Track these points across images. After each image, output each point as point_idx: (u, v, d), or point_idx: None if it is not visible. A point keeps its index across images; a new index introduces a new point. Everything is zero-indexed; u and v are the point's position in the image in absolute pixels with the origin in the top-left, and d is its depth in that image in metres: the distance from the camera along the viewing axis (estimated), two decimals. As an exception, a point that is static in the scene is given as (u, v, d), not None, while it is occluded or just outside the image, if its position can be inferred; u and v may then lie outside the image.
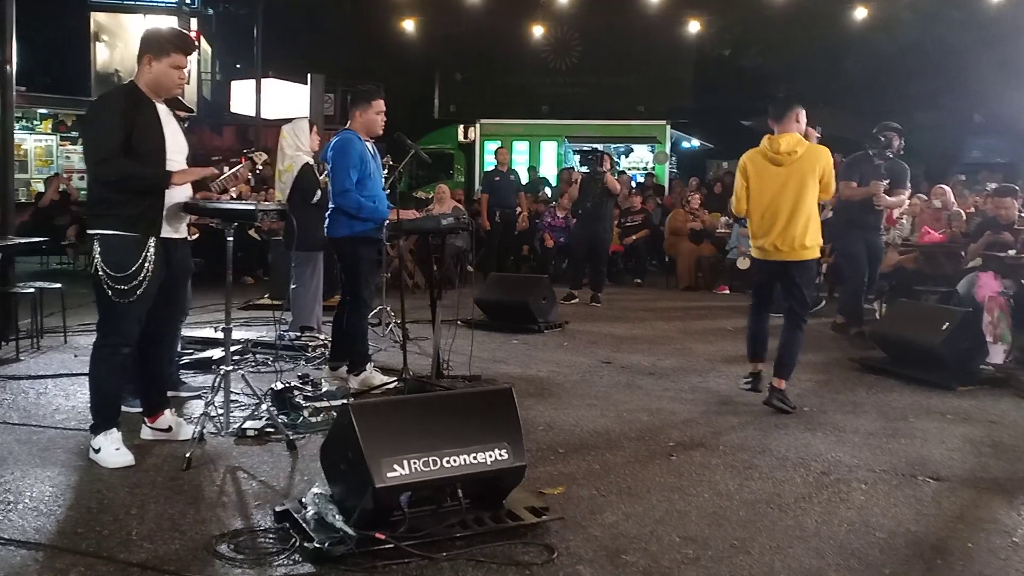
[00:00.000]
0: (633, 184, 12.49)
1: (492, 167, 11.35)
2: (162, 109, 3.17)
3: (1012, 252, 5.62)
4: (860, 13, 13.31)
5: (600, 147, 10.87)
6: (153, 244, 3.07)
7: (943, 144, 14.39)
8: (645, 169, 15.66)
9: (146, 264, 3.04)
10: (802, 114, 4.22)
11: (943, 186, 7.96)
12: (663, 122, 15.77)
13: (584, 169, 8.31)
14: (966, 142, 14.73)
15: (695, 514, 2.75)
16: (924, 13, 13.12)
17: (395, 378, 4.27)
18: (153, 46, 3.11)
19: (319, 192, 5.22)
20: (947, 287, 6.20)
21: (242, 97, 14.99)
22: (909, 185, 6.28)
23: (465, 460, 2.50)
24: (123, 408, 3.31)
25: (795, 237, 4.11)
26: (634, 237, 10.35)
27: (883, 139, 5.91)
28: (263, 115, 13.14)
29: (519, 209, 10.57)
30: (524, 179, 14.14)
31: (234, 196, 3.70)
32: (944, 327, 4.68)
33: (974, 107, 13.95)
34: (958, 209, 7.50)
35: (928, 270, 6.70)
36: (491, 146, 14.42)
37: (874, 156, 5.92)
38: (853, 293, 6.00)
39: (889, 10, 13.24)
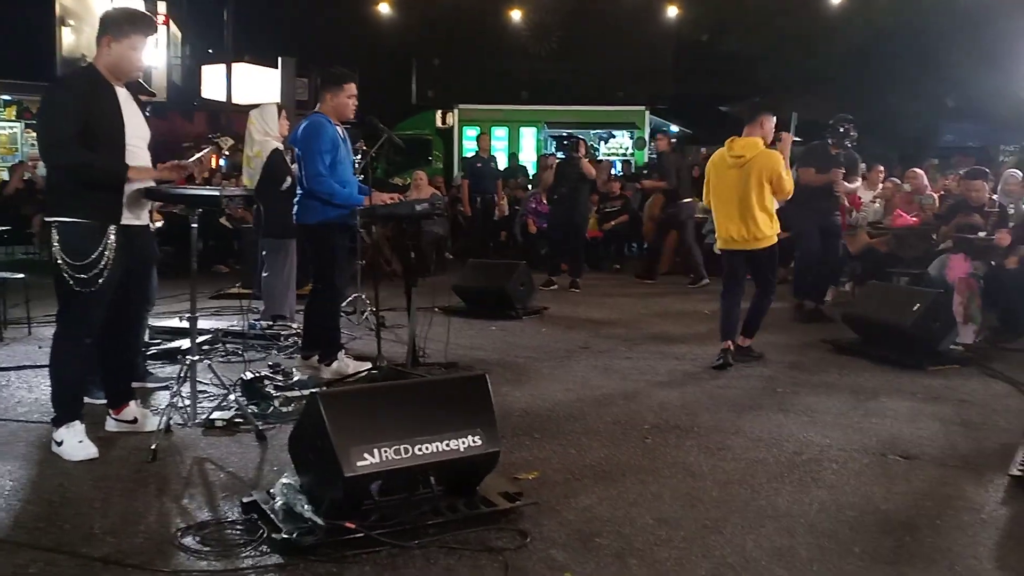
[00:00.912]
0: (614, 171, 12.49)
1: (473, 153, 11.27)
2: (122, 93, 3.06)
3: (982, 234, 5.69)
4: (837, -2, 13.38)
5: (577, 133, 10.89)
6: (113, 232, 2.98)
7: (917, 128, 14.55)
8: (625, 155, 15.66)
9: (106, 252, 2.95)
10: (768, 121, 4.79)
11: (916, 170, 8.03)
12: (642, 108, 15.76)
13: (560, 155, 8.33)
14: (939, 126, 14.91)
15: (669, 496, 2.75)
16: (899, -2, 13.22)
17: (369, 366, 4.21)
18: (112, 27, 3.01)
19: (289, 178, 5.13)
20: (919, 269, 6.28)
21: (213, 82, 14.70)
22: (860, 173, 6.85)
23: (437, 447, 2.47)
24: (87, 400, 3.24)
25: (749, 230, 4.69)
26: (613, 223, 10.36)
27: (841, 129, 6.29)
28: (234, 100, 12.90)
29: (497, 197, 10.53)
30: (503, 165, 14.08)
31: (198, 182, 3.60)
32: (915, 308, 4.72)
33: (947, 91, 14.11)
34: (931, 193, 7.58)
35: (900, 252, 6.77)
36: (470, 132, 14.31)
37: (832, 145, 6.31)
38: (805, 271, 6.47)
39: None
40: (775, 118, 4.85)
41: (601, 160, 13.23)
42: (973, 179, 6.12)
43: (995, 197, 6.51)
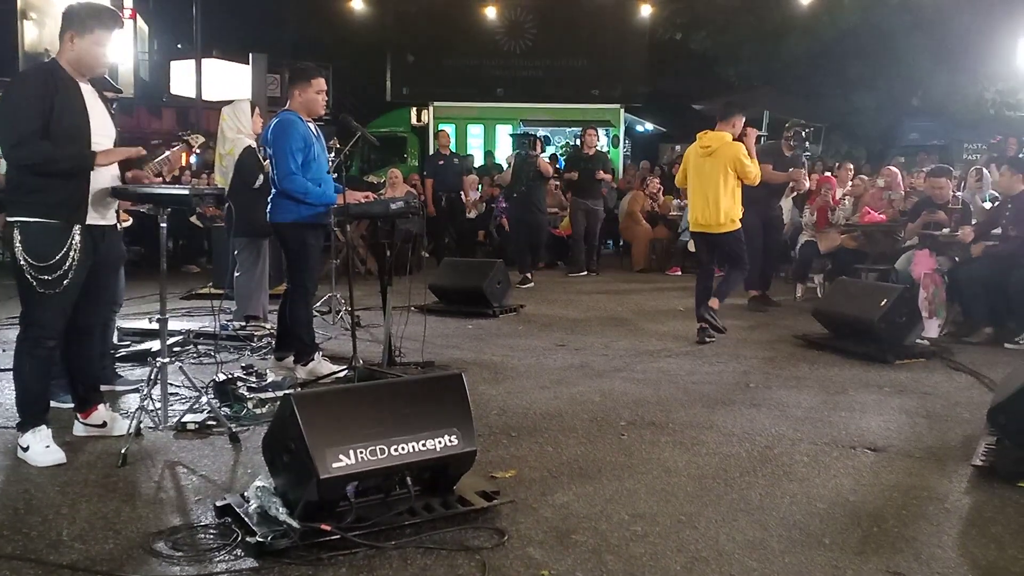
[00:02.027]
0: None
1: (434, 151, 11.21)
2: (87, 89, 2.99)
3: (946, 231, 5.83)
4: (804, -3, 13.57)
5: (538, 131, 10.94)
6: (78, 231, 2.91)
7: (882, 126, 14.83)
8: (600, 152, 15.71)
9: (71, 253, 2.88)
10: (739, 120, 5.39)
11: (891, 167, 8.21)
12: (617, 106, 15.83)
13: (516, 152, 8.50)
14: (903, 124, 15.21)
15: (644, 491, 2.78)
16: (863, -2, 13.45)
17: (344, 367, 4.19)
18: (75, 22, 2.93)
19: (262, 176, 5.06)
20: (886, 265, 6.41)
21: (182, 78, 14.40)
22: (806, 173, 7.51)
23: (414, 447, 2.46)
24: (53, 404, 3.17)
25: (714, 214, 5.28)
26: (588, 221, 10.39)
27: (804, 134, 7.05)
28: (204, 96, 12.66)
29: (465, 194, 10.48)
30: (479, 163, 14.04)
31: (167, 180, 3.54)
32: (882, 303, 4.83)
33: (911, 90, 14.39)
34: (901, 191, 7.74)
35: (868, 249, 6.92)
36: (447, 129, 14.26)
37: (786, 148, 6.93)
38: (752, 261, 7.06)
39: (831, -6, 13.52)
40: (744, 117, 5.43)
41: (553, 156, 13.30)
42: (938, 176, 6.26)
43: (959, 194, 6.68)
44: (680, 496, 2.75)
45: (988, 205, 6.51)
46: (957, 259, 5.72)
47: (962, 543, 2.45)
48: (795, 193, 7.58)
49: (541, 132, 11.34)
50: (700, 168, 5.36)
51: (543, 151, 8.60)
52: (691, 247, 9.49)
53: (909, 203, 6.95)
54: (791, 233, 8.42)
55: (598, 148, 9.33)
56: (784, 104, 14.22)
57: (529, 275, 8.16)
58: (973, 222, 5.88)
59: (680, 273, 9.35)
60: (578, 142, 9.73)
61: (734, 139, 5.33)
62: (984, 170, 7.39)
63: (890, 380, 4.38)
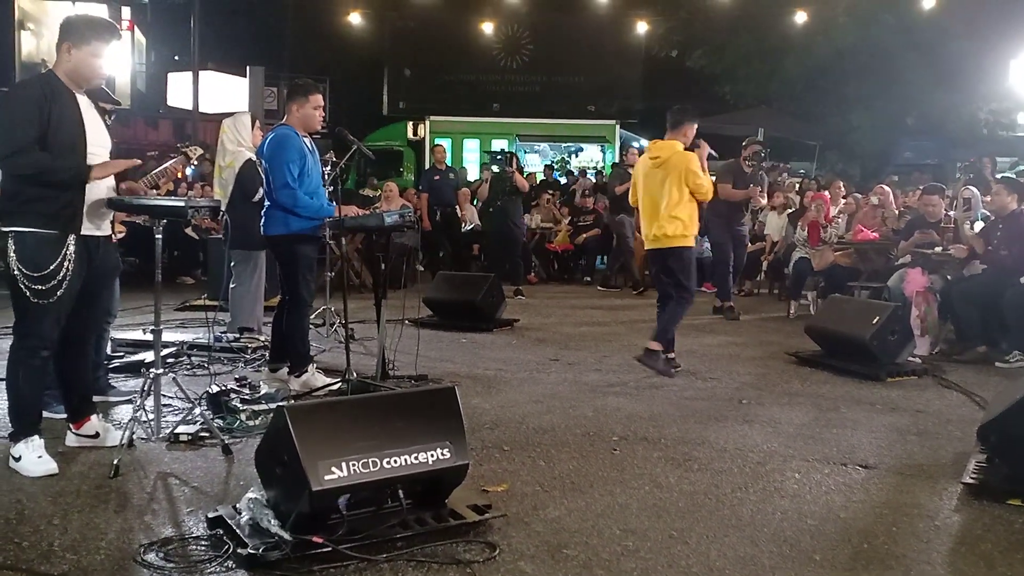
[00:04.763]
0: (590, 187, 12.68)
1: (430, 165, 11.27)
2: (83, 100, 3.00)
3: (938, 249, 5.88)
4: (800, 17, 13.75)
5: (549, 146, 11.08)
6: (73, 242, 2.92)
7: (877, 145, 14.98)
8: (595, 168, 15.85)
9: (65, 263, 2.88)
10: (691, 129, 4.95)
11: (883, 186, 8.29)
12: (613, 122, 15.96)
13: (494, 168, 8.73)
14: (898, 143, 15.36)
15: (636, 506, 2.79)
16: (860, 18, 13.62)
17: (338, 379, 4.19)
18: (72, 33, 2.95)
19: (261, 190, 5.08)
20: (879, 283, 6.46)
21: (179, 90, 14.49)
22: (766, 190, 8.05)
23: (406, 460, 2.47)
24: (46, 414, 3.16)
25: (661, 228, 4.79)
26: (584, 236, 10.46)
27: (763, 155, 7.49)
28: (201, 109, 12.73)
29: (460, 208, 10.53)
30: (474, 177, 14.09)
31: (162, 192, 3.55)
32: (874, 321, 4.86)
33: (906, 109, 14.56)
34: (894, 209, 7.81)
35: (861, 266, 6.97)
36: (443, 144, 14.36)
37: (747, 166, 7.29)
38: (722, 274, 7.39)
39: (827, 14, 13.70)
40: (696, 126, 5.00)
41: (579, 177, 13.42)
42: (930, 194, 6.33)
43: (951, 213, 6.74)
44: (672, 511, 2.75)
45: (980, 225, 6.56)
46: (949, 277, 5.76)
47: (952, 561, 2.46)
48: (759, 208, 8.05)
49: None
50: (650, 179, 4.88)
51: (518, 167, 8.86)
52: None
53: (903, 221, 7.02)
54: (784, 250, 8.48)
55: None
56: (780, 123, 14.37)
57: (522, 288, 8.24)
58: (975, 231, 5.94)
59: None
60: (620, 158, 9.87)
61: (685, 149, 4.93)
62: (973, 189, 7.46)
63: (882, 398, 4.40)
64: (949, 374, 4.93)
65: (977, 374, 4.99)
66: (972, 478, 2.99)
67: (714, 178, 6.72)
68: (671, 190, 4.75)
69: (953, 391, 4.57)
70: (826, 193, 8.33)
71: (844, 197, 8.42)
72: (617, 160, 12.88)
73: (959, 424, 3.88)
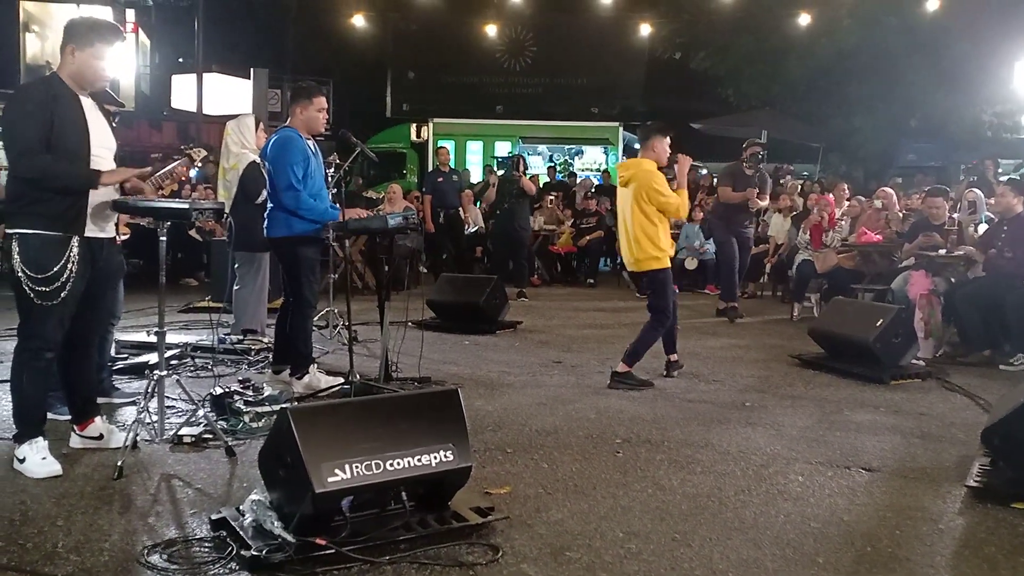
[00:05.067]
0: (592, 187, 12.67)
1: (434, 167, 11.28)
2: (87, 102, 3.01)
3: (942, 251, 5.86)
4: (804, 19, 13.73)
5: (552, 148, 11.12)
6: (77, 244, 2.93)
7: (880, 146, 14.94)
8: (598, 171, 15.85)
9: (69, 265, 2.89)
10: (660, 143, 4.68)
11: (886, 189, 8.28)
12: (616, 124, 15.95)
13: (500, 172, 8.78)
14: (902, 145, 15.33)
15: (639, 509, 2.79)
16: (863, 19, 13.60)
17: (341, 381, 4.19)
18: (76, 36, 2.97)
19: (265, 192, 5.09)
20: (882, 285, 6.45)
21: (183, 92, 14.53)
22: (768, 191, 7.86)
23: (409, 463, 2.47)
24: (50, 416, 3.18)
25: (632, 251, 4.61)
26: (588, 238, 10.47)
27: (760, 156, 7.34)
28: (205, 111, 12.76)
29: (464, 210, 10.54)
30: (477, 179, 14.11)
31: (165, 194, 3.57)
32: (878, 324, 4.85)
33: (910, 111, 14.52)
34: (898, 212, 7.80)
35: (864, 269, 6.95)
36: (447, 146, 14.39)
37: (747, 168, 7.23)
38: (727, 276, 7.37)
39: (831, 16, 13.68)
40: (668, 139, 4.70)
41: (580, 178, 13.40)
42: (934, 197, 6.31)
43: (955, 216, 6.73)
44: (674, 514, 2.75)
45: (984, 227, 6.55)
46: (953, 280, 5.75)
47: (955, 564, 2.45)
48: (757, 210, 7.85)
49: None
50: (621, 200, 4.70)
51: (525, 171, 8.90)
52: (688, 265, 9.63)
53: (906, 224, 7.00)
54: (788, 252, 8.47)
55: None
56: (783, 125, 14.34)
57: (524, 291, 8.24)
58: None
59: (677, 291, 9.35)
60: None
61: (661, 166, 4.65)
62: (977, 191, 7.44)
63: (885, 400, 4.39)
64: (953, 377, 4.92)
65: (981, 377, 4.97)
66: (976, 481, 2.99)
67: (715, 181, 6.75)
68: (636, 210, 4.52)
69: (957, 394, 4.56)
70: (830, 195, 8.33)
71: (848, 199, 8.41)
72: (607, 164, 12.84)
73: (963, 427, 3.87)
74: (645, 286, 4.81)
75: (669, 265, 4.64)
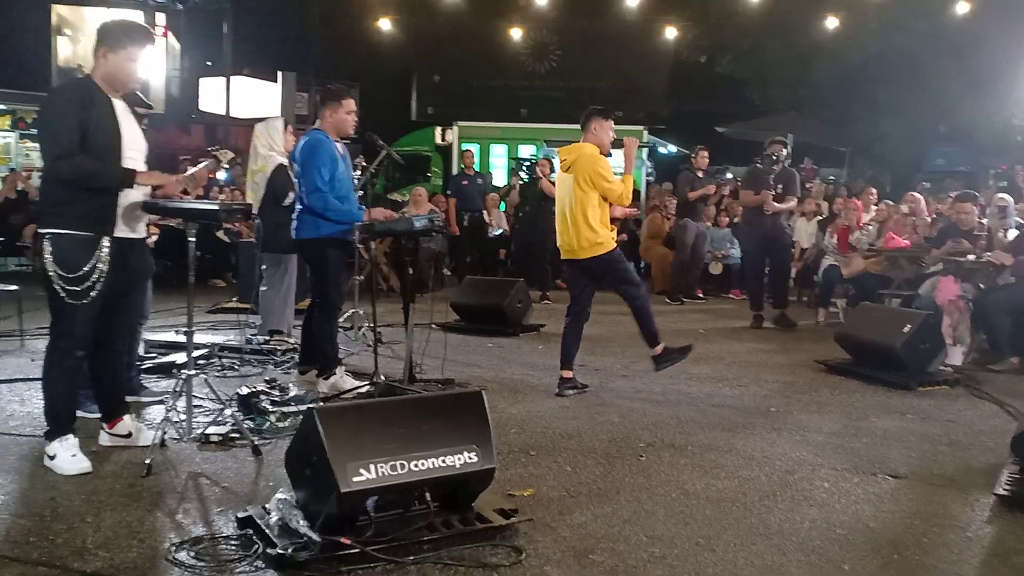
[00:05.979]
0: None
1: (458, 171, 11.33)
2: (119, 105, 3.07)
3: (971, 257, 5.76)
4: (831, 23, 13.57)
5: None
6: (107, 244, 2.98)
7: (908, 151, 14.71)
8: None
9: (99, 265, 2.94)
10: (600, 125, 4.51)
11: (915, 193, 8.15)
12: (640, 127, 15.89)
13: (523, 175, 8.75)
14: (930, 150, 15.07)
15: (662, 513, 2.77)
16: (891, 23, 13.40)
17: (366, 382, 4.23)
18: (108, 39, 3.03)
19: (292, 194, 5.16)
20: (910, 291, 6.35)
21: (211, 95, 14.74)
22: (798, 190, 7.48)
23: (433, 463, 2.49)
24: (80, 413, 3.23)
25: (573, 237, 4.43)
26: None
27: (774, 156, 6.99)
28: (233, 114, 12.95)
29: (488, 214, 10.57)
30: (502, 182, 14.14)
31: (192, 196, 3.63)
32: (905, 329, 4.78)
33: (938, 116, 14.28)
34: (926, 217, 7.68)
35: (892, 274, 6.85)
36: (471, 149, 14.45)
37: (763, 169, 7.01)
38: (751, 282, 7.27)
39: (858, 19, 13.50)
40: (610, 122, 4.56)
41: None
42: (964, 202, 6.21)
43: (984, 221, 6.60)
44: (698, 519, 2.73)
45: (1014, 233, 6.42)
46: (982, 286, 5.64)
47: (983, 573, 2.41)
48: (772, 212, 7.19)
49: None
50: (561, 185, 4.54)
51: (548, 174, 8.82)
52: (713, 269, 9.56)
53: (934, 229, 6.89)
54: (814, 257, 8.37)
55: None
56: (810, 128, 14.18)
57: (548, 294, 8.24)
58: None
59: (702, 296, 9.30)
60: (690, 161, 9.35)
61: (605, 151, 4.51)
62: (1007, 197, 7.29)
63: (912, 407, 4.33)
64: (982, 384, 4.83)
65: (1010, 384, 4.88)
66: (1005, 489, 2.93)
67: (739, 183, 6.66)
68: (578, 196, 4.37)
69: (985, 401, 4.48)
70: (857, 199, 8.22)
71: (876, 204, 8.29)
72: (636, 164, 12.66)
73: (991, 434, 3.80)
74: (592, 274, 4.54)
75: (616, 247, 4.50)
